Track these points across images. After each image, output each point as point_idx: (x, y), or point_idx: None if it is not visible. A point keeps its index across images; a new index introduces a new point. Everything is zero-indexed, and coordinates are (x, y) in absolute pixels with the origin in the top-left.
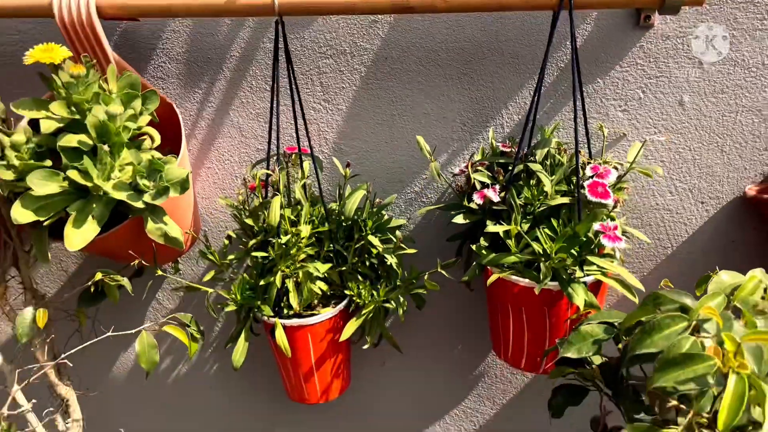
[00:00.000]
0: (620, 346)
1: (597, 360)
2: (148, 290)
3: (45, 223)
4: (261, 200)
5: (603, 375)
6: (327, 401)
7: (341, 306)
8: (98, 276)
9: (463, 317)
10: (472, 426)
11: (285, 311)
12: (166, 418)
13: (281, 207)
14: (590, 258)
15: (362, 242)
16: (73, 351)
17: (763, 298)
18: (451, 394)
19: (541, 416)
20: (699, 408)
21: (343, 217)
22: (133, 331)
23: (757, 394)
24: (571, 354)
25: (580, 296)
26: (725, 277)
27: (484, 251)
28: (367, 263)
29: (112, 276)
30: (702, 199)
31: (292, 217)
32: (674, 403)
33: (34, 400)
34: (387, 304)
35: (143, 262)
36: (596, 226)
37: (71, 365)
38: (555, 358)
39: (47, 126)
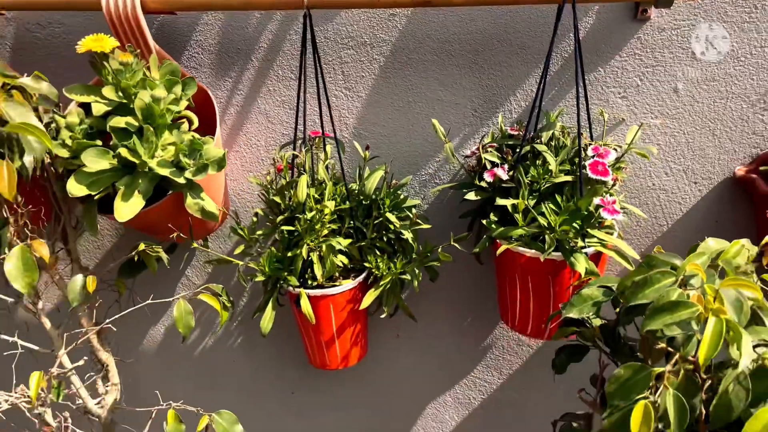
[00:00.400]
0: (618, 310)
1: (597, 322)
2: (176, 266)
3: (96, 197)
4: (287, 180)
5: (602, 334)
6: (346, 367)
7: (360, 278)
8: (141, 246)
9: (473, 291)
10: (480, 395)
11: (309, 282)
12: (193, 388)
13: (307, 185)
14: (591, 231)
15: (380, 219)
16: (115, 317)
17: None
18: (460, 364)
19: (545, 386)
20: (685, 352)
21: (362, 196)
22: (171, 299)
23: (734, 335)
24: (573, 314)
25: (581, 264)
26: (711, 243)
27: (493, 225)
28: (385, 239)
29: (153, 247)
30: (695, 179)
31: (316, 196)
32: (663, 345)
33: (79, 362)
34: (403, 276)
35: (181, 235)
36: (596, 200)
37: (113, 331)
38: (558, 324)
39: (98, 109)
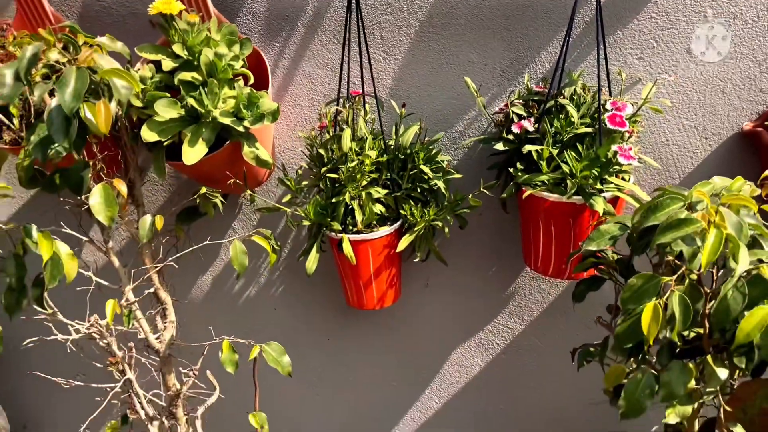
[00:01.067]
0: (631, 240)
1: (613, 257)
2: (224, 219)
3: (165, 143)
4: (331, 135)
5: (618, 267)
6: (382, 308)
7: (396, 225)
8: (203, 190)
9: (498, 241)
10: (503, 341)
11: (350, 228)
12: (236, 334)
13: (350, 139)
14: (609, 178)
15: (415, 171)
16: (174, 257)
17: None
18: (485, 311)
19: (564, 333)
20: (692, 266)
21: (398, 150)
22: (227, 240)
23: (733, 247)
24: (592, 247)
25: (599, 205)
26: (717, 180)
27: (519, 173)
28: (419, 189)
29: (212, 192)
30: (706, 135)
31: (357, 149)
32: (671, 258)
33: (143, 295)
34: (435, 222)
35: (237, 181)
36: (614, 147)
37: (170, 274)
38: (578, 263)
39: (167, 65)
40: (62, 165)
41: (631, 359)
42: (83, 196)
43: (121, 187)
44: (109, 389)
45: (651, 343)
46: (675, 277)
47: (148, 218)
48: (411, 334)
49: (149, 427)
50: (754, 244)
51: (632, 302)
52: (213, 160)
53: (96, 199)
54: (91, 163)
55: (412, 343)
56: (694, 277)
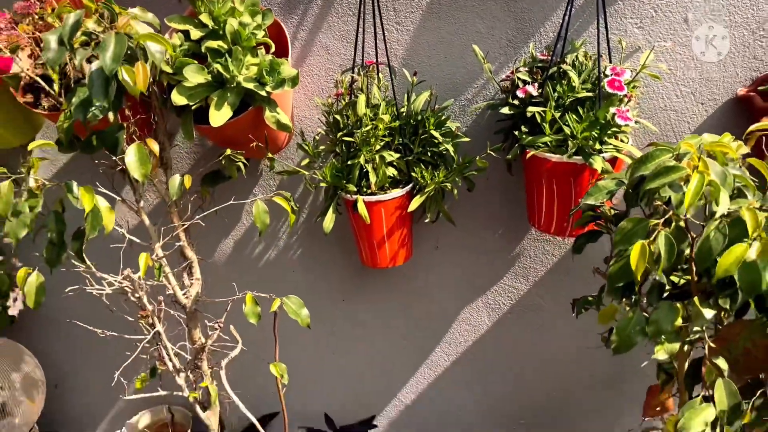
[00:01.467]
0: (627, 195)
1: (610, 212)
2: (246, 184)
3: (193, 107)
4: (347, 102)
5: (614, 219)
6: (394, 266)
7: (408, 188)
8: (227, 152)
9: (504, 204)
10: (508, 300)
11: (364, 190)
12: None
13: (364, 104)
14: (608, 139)
15: (425, 135)
16: (202, 215)
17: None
18: (491, 272)
19: (566, 292)
20: (678, 211)
21: (410, 117)
22: (249, 200)
23: (714, 190)
24: (590, 201)
25: (598, 164)
26: (706, 136)
27: (524, 135)
28: (429, 153)
29: (236, 154)
30: (702, 100)
31: (371, 115)
32: (660, 203)
33: (171, 250)
34: (445, 184)
35: (259, 144)
36: (612, 109)
37: (196, 234)
38: (578, 221)
39: (195, 34)
40: (98, 128)
41: (624, 300)
42: (118, 157)
43: (154, 146)
44: (138, 344)
45: (638, 278)
46: (662, 220)
47: (177, 177)
48: (421, 294)
49: (176, 378)
50: (739, 194)
51: (623, 243)
52: (237, 124)
53: (131, 157)
54: (125, 125)
55: (423, 304)
56: (681, 223)
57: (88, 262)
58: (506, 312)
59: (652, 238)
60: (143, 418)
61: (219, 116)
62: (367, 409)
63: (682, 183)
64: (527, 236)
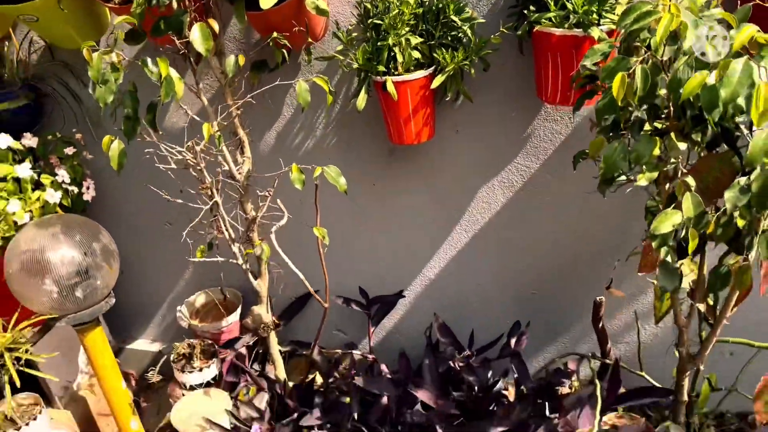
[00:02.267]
0: None
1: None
2: (286, 74)
3: None
4: None
5: None
6: (419, 143)
7: (430, 70)
8: (274, 34)
9: (517, 85)
10: (521, 178)
11: (392, 71)
12: None
13: None
14: (605, 13)
15: (446, 20)
16: (252, 93)
17: None
18: (506, 152)
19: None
20: (656, 53)
21: (432, 4)
22: (293, 81)
23: (683, 29)
24: (587, 62)
25: (595, 32)
26: None
27: (532, 13)
28: (449, 37)
29: (281, 37)
30: None
31: (397, 2)
32: (639, 44)
33: (225, 124)
34: (464, 64)
35: (301, 29)
36: None
37: (247, 116)
38: (578, 82)
39: None
40: (164, 14)
41: (610, 134)
42: (182, 41)
43: (214, 24)
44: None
45: (620, 103)
46: (641, 58)
47: (232, 57)
48: (442, 175)
49: (231, 247)
50: None
51: (608, 78)
52: (282, 10)
53: (196, 34)
54: (188, 10)
55: (443, 184)
56: (657, 63)
57: (159, 132)
58: (519, 189)
59: (630, 71)
60: (199, 298)
61: (267, 1)
62: (395, 285)
63: (657, 26)
64: (537, 117)
